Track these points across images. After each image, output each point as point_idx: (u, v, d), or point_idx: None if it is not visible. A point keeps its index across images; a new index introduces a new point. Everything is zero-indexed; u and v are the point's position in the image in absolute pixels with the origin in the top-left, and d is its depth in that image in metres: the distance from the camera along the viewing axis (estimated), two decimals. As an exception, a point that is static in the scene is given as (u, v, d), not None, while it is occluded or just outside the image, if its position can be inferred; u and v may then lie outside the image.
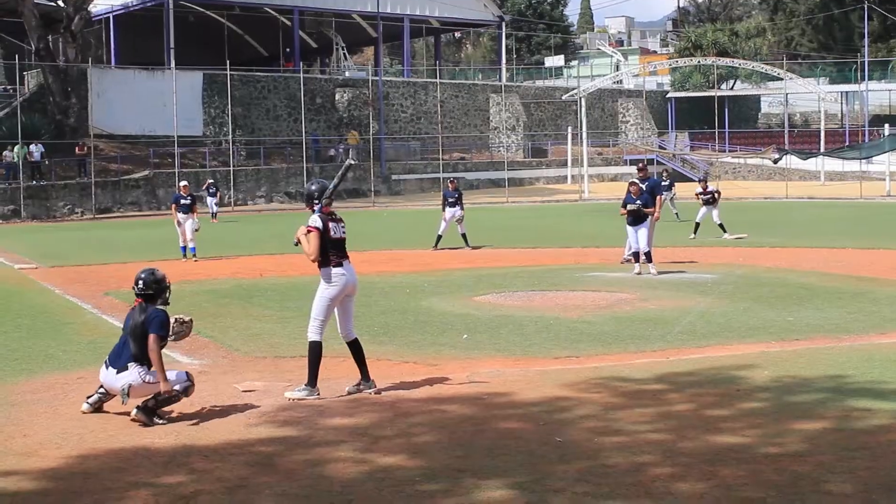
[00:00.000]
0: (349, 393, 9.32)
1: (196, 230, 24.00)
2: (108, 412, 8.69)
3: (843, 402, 8.50)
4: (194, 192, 27.58)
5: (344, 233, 9.53)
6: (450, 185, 26.88)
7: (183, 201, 24.15)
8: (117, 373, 8.53)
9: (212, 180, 46.72)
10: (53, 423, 8.41)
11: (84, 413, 8.67)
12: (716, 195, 28.67)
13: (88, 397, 8.81)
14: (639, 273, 18.69)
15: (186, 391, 8.60)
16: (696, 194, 28.92)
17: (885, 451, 7.00)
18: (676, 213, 34.95)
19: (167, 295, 8.86)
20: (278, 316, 14.56)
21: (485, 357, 11.05)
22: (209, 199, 43.56)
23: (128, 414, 8.41)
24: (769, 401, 8.63)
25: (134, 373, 8.47)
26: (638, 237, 19.05)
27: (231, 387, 9.66)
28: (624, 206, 19.51)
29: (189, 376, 8.74)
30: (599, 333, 12.53)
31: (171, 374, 8.56)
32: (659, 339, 12.02)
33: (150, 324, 8.51)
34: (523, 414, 8.39)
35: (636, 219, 19.17)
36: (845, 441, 7.28)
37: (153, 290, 8.72)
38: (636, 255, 19.15)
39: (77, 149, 49.15)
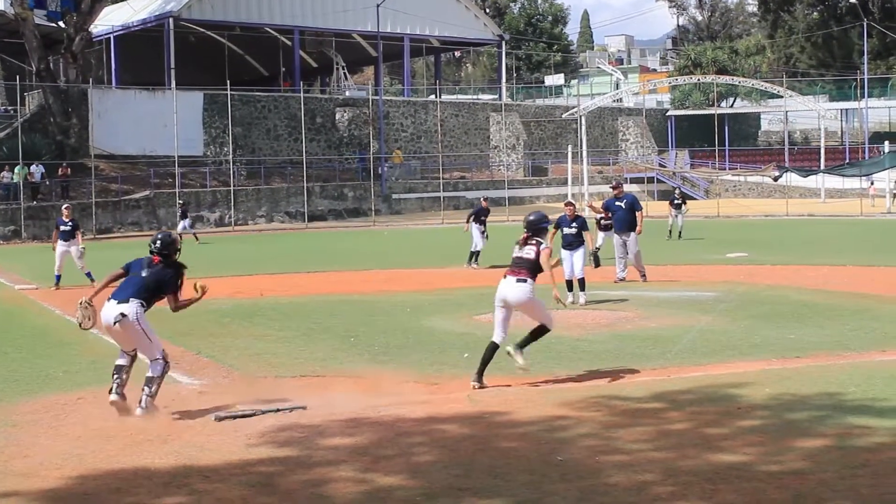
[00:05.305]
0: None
1: (81, 254, 22.98)
2: (111, 435, 8.69)
3: (843, 419, 8.48)
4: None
5: None
6: (483, 202, 27.39)
7: (63, 227, 22.92)
8: (118, 303, 9.32)
9: (182, 201, 46.11)
10: (54, 443, 8.41)
11: (113, 403, 9.21)
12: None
13: (109, 391, 9.31)
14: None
15: (166, 364, 9.51)
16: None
17: (886, 469, 6.98)
18: (680, 231, 34.88)
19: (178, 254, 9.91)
20: (279, 336, 14.56)
21: (486, 376, 11.01)
22: (182, 222, 42.30)
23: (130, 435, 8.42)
24: (770, 419, 8.61)
25: (134, 306, 9.30)
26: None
27: (232, 407, 9.63)
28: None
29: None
30: (600, 352, 12.52)
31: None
32: (659, 357, 12.00)
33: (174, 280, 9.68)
34: (524, 433, 8.37)
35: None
36: (846, 459, 7.26)
37: (169, 251, 9.78)
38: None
39: (60, 170, 49.15)
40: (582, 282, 17.63)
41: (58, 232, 23.08)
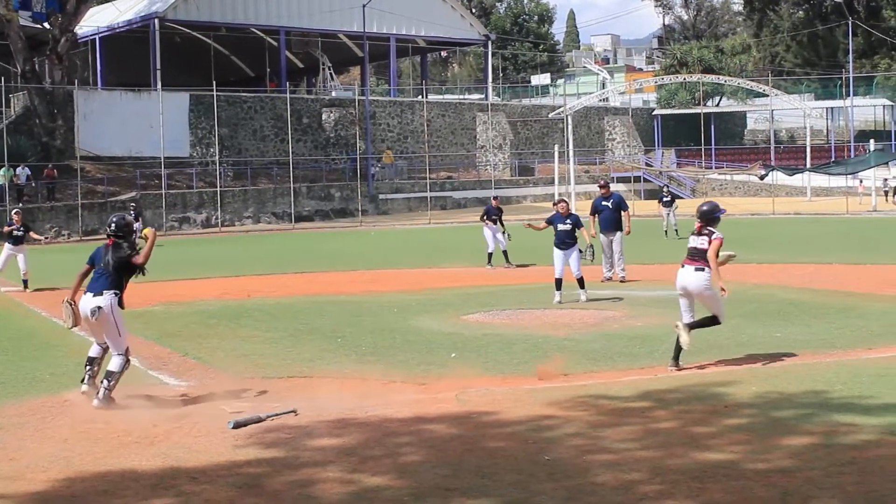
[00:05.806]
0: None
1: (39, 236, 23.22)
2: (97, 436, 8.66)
3: (830, 417, 8.51)
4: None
5: None
6: (493, 201, 27.34)
7: (16, 232, 22.79)
8: (93, 296, 9.89)
9: (133, 204, 45.76)
10: (40, 446, 8.38)
11: (84, 393, 9.90)
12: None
13: (82, 380, 10.01)
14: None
15: (127, 361, 9.96)
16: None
17: (872, 467, 7.01)
18: (676, 230, 34.81)
19: (133, 238, 10.53)
20: (266, 336, 14.52)
21: (473, 376, 11.02)
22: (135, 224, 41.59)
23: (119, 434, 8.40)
24: (756, 417, 8.63)
25: (108, 297, 9.86)
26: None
27: (218, 408, 9.62)
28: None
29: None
30: (587, 351, 12.52)
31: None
32: (646, 356, 12.02)
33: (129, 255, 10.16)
34: (511, 433, 8.38)
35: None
36: (833, 456, 7.29)
37: (123, 232, 10.29)
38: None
39: (45, 172, 48.95)
40: (581, 281, 17.67)
41: (8, 236, 23.03)
